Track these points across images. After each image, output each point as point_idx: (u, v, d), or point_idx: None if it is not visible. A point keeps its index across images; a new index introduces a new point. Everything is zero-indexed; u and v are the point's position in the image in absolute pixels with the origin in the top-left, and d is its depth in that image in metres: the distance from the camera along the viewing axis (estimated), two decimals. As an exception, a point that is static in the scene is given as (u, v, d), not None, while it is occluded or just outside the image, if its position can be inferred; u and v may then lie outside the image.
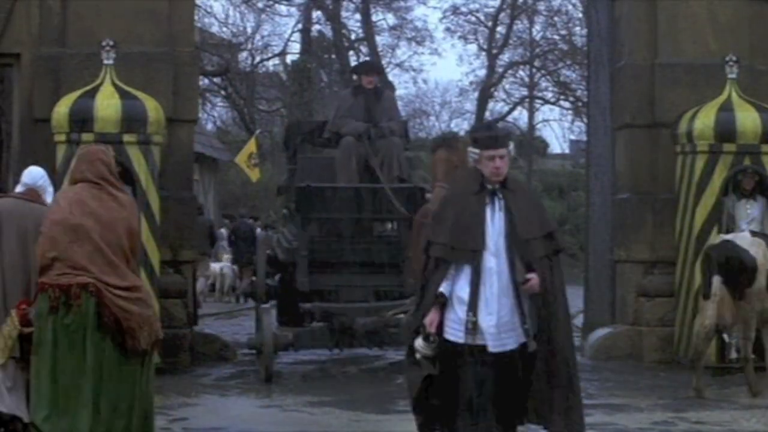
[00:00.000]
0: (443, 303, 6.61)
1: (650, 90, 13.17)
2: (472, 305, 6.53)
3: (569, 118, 39.29)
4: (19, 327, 7.46)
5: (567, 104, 37.80)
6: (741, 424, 9.54)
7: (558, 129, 67.15)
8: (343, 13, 35.79)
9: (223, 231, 25.46)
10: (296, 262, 12.03)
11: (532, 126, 41.01)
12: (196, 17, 16.58)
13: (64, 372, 6.66)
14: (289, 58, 35.99)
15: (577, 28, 33.77)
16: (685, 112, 12.75)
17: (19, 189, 8.28)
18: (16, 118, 12.56)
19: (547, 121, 44.83)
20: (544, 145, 43.54)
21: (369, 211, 12.11)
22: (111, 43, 12.06)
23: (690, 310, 12.32)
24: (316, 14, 35.46)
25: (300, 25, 34.83)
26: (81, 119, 11.59)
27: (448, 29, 37.48)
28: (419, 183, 12.57)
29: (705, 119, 12.47)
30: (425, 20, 55.73)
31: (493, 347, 6.52)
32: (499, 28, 37.17)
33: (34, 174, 8.26)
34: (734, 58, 12.81)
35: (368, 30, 35.31)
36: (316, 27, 35.84)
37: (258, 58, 35.11)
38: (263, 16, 33.99)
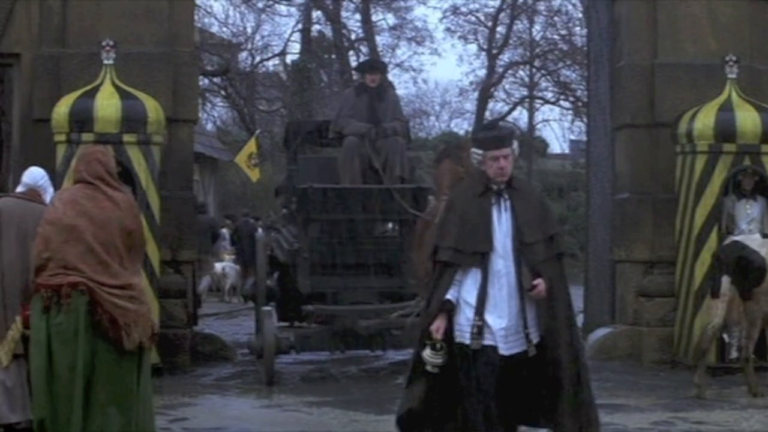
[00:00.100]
0: (450, 310, 6.54)
1: (650, 90, 13.17)
2: (479, 309, 6.46)
3: (569, 118, 39.33)
4: (21, 329, 7.52)
5: (567, 104, 37.79)
6: (741, 424, 9.55)
7: (558, 129, 67.38)
8: (343, 13, 35.78)
9: (225, 231, 25.47)
10: (297, 263, 11.98)
11: (532, 126, 41.02)
12: (196, 17, 16.58)
13: (59, 371, 6.70)
14: (289, 58, 35.99)
15: (577, 28, 33.77)
16: (685, 112, 12.75)
17: (20, 189, 8.33)
18: (16, 118, 12.56)
19: (547, 121, 44.94)
20: (544, 145, 43.53)
21: (372, 212, 12.02)
22: (111, 43, 12.06)
23: (690, 310, 12.34)
24: (316, 14, 35.43)
25: (300, 25, 34.81)
26: (81, 119, 11.59)
27: (448, 29, 37.48)
28: (421, 183, 12.55)
29: (705, 119, 12.47)
30: (425, 20, 55.91)
31: (503, 350, 6.47)
32: (499, 28, 37.15)
33: (35, 174, 8.30)
34: (734, 58, 12.81)
35: (368, 30, 35.30)
36: (316, 27, 35.82)
37: (258, 58, 35.09)
38: (263, 16, 33.97)
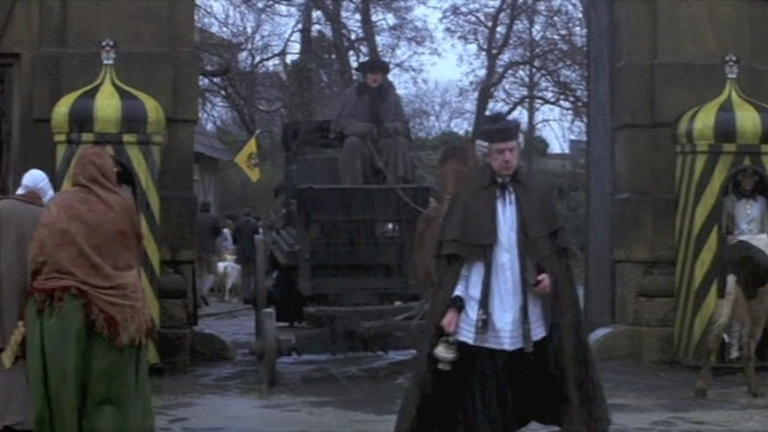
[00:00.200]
0: (461, 307, 6.46)
1: (650, 90, 13.17)
2: (484, 303, 6.38)
3: (569, 118, 39.29)
4: (23, 332, 7.54)
5: (567, 104, 37.78)
6: (741, 424, 9.54)
7: (558, 129, 67.28)
8: (343, 13, 35.76)
9: (226, 231, 25.49)
10: (298, 265, 11.91)
11: (532, 126, 41.00)
12: (196, 17, 16.57)
13: (52, 373, 6.77)
14: (289, 58, 35.97)
15: (577, 28, 33.74)
16: (685, 112, 12.75)
17: (20, 191, 8.39)
18: (16, 118, 12.55)
19: (547, 121, 44.84)
20: (544, 145, 43.51)
21: (374, 213, 11.96)
22: (111, 43, 12.06)
23: (690, 310, 12.34)
24: (316, 14, 35.41)
25: (300, 25, 34.79)
26: (81, 119, 11.59)
27: (448, 29, 37.45)
28: (422, 183, 12.52)
29: (705, 119, 12.47)
30: (425, 20, 55.80)
31: (509, 345, 6.40)
32: (499, 28, 37.13)
33: (35, 177, 8.35)
34: (734, 58, 12.82)
35: (368, 30, 35.28)
36: (316, 27, 35.80)
37: (258, 58, 35.07)
38: (263, 16, 33.95)
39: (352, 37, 36.17)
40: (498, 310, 6.40)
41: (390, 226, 13.16)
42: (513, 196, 6.56)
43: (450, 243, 6.54)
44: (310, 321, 11.97)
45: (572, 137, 41.73)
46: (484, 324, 6.38)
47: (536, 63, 37.38)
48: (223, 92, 33.29)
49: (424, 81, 43.27)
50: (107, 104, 11.68)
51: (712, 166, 12.39)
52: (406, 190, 11.66)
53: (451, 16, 37.01)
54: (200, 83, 25.30)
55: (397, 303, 12.36)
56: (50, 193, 8.23)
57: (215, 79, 32.19)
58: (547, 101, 39.09)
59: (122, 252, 6.91)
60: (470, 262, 6.49)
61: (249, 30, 34.09)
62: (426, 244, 9.27)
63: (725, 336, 11.58)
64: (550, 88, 38.17)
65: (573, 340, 6.54)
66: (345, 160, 12.08)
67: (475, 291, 6.44)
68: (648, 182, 13.24)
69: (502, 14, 36.60)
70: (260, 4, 33.46)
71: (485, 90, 37.71)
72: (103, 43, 12.05)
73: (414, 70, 38.34)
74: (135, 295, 6.93)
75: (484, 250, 6.44)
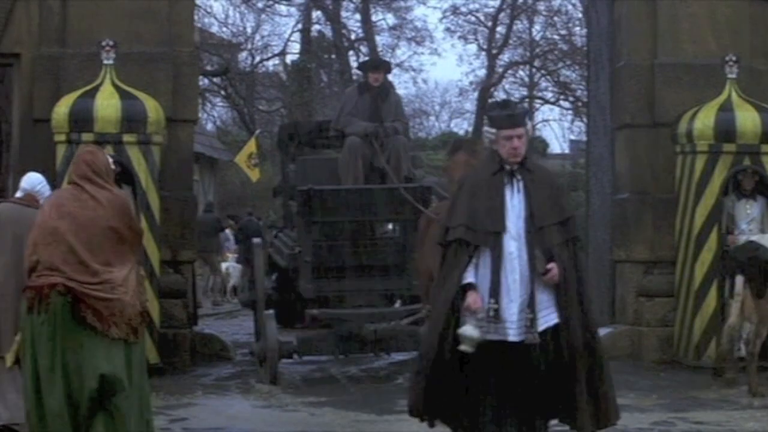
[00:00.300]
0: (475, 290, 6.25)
1: (650, 90, 13.16)
2: (494, 292, 6.23)
3: (569, 118, 39.28)
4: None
5: (567, 104, 37.77)
6: (741, 424, 9.54)
7: (558, 129, 67.30)
8: (343, 13, 35.76)
9: (228, 232, 25.48)
10: (299, 267, 11.79)
11: (532, 126, 40.99)
12: (196, 17, 16.58)
13: (41, 370, 6.79)
14: (289, 58, 35.99)
15: (577, 28, 33.73)
16: (685, 112, 12.75)
17: (18, 194, 8.45)
18: (16, 118, 12.55)
19: (547, 121, 44.89)
20: (544, 145, 43.51)
21: (377, 213, 11.82)
22: (111, 43, 12.06)
23: (690, 310, 12.34)
24: (316, 14, 35.42)
25: (300, 25, 34.80)
26: (81, 119, 11.59)
27: (448, 29, 37.44)
28: (423, 182, 12.49)
29: (705, 119, 12.47)
30: (425, 20, 55.90)
31: (513, 336, 6.28)
32: (499, 28, 37.12)
33: (32, 179, 8.40)
34: (734, 58, 12.81)
35: (368, 30, 35.28)
36: (316, 27, 35.80)
37: (258, 58, 35.09)
38: (263, 16, 33.97)
39: (352, 37, 36.19)
40: (504, 300, 6.26)
41: (390, 226, 13.13)
42: (521, 184, 6.42)
43: (457, 228, 6.37)
44: (312, 323, 11.92)
45: (572, 137, 41.73)
46: (496, 313, 6.24)
47: (536, 63, 37.38)
48: (223, 92, 33.30)
49: (424, 81, 43.37)
50: (107, 104, 11.68)
51: (712, 166, 12.39)
52: (409, 190, 11.61)
53: (451, 16, 37.02)
54: (200, 83, 25.30)
55: (397, 303, 12.36)
56: (47, 195, 8.24)
57: (215, 79, 32.21)
58: (547, 101, 39.10)
59: (114, 248, 6.92)
60: (477, 251, 6.34)
61: (249, 30, 34.14)
62: (428, 243, 9.23)
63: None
64: (550, 88, 38.18)
65: (582, 334, 6.38)
66: (346, 160, 11.96)
67: (484, 280, 6.30)
68: (648, 182, 13.23)
69: (502, 14, 36.60)
70: (260, 4, 33.50)
71: (485, 90, 37.69)
72: (103, 43, 12.05)
73: (414, 70, 38.38)
74: (122, 288, 6.93)
75: (492, 237, 6.29)
